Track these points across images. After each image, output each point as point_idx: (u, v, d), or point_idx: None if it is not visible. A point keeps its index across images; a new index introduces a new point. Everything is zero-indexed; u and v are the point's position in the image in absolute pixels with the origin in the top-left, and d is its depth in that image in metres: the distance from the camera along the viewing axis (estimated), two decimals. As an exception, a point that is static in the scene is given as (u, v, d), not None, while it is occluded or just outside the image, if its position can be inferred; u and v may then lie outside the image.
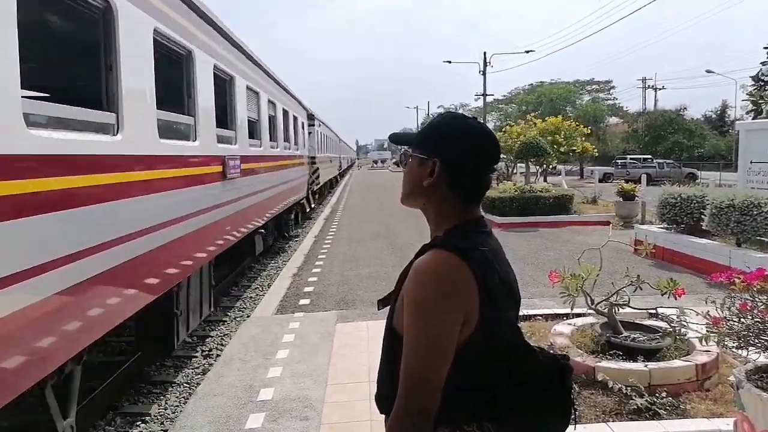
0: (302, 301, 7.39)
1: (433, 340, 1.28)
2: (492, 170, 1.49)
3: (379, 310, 1.63)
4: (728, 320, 2.98)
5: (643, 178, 15.37)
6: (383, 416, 1.46)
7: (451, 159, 1.42)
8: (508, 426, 1.42)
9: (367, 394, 4.35)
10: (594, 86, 59.52)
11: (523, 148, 16.77)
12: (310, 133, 17.09)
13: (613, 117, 54.51)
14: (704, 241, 8.71)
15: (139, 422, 4.62)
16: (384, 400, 1.43)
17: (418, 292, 1.31)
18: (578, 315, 4.93)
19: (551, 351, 1.53)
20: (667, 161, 35.72)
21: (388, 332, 1.43)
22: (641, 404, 3.42)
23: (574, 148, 22.54)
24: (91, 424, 4.47)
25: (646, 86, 55.88)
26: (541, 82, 57.70)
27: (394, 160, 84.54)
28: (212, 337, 6.69)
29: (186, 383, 5.41)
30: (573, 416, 1.46)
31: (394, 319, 1.41)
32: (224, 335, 6.73)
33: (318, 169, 19.08)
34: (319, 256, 10.61)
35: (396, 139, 1.66)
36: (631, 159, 35.85)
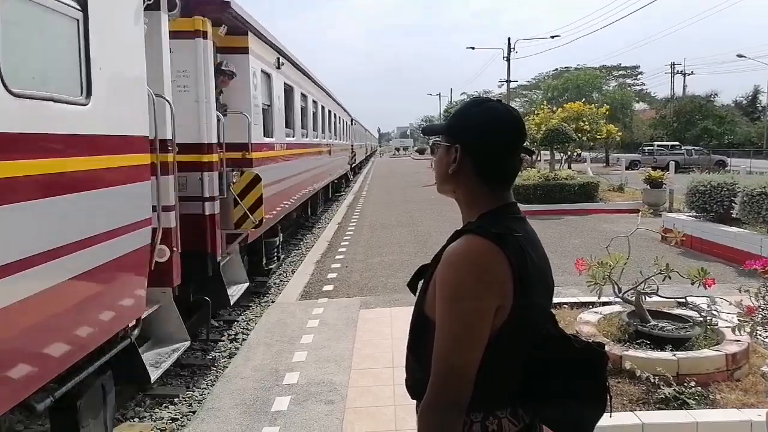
0: (326, 287, 7.45)
1: (467, 327, 1.27)
2: (520, 152, 1.46)
3: (415, 294, 1.62)
4: (763, 309, 2.91)
5: (671, 165, 15.08)
6: (409, 398, 1.47)
7: (473, 144, 1.41)
8: (542, 412, 1.42)
9: (391, 379, 4.38)
10: (621, 72, 58.35)
11: (548, 135, 16.54)
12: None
13: (641, 103, 53.43)
14: (735, 229, 8.52)
15: (168, 404, 4.72)
16: (416, 385, 1.43)
17: (451, 278, 1.30)
18: (605, 303, 4.88)
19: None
20: (696, 148, 34.94)
21: (419, 317, 1.43)
22: (669, 393, 3.38)
23: (599, 135, 22.15)
24: (121, 405, 4.58)
25: (675, 71, 54.59)
26: (566, 67, 56.73)
27: (416, 148, 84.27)
28: (238, 321, 6.78)
29: (213, 366, 5.50)
30: (608, 404, 1.45)
31: (425, 305, 1.40)
32: (249, 320, 6.82)
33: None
34: (342, 243, 10.66)
35: (428, 130, 1.67)
36: (658, 146, 35.15)
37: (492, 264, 1.29)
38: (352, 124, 26.46)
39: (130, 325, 3.56)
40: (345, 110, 22.33)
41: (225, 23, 5.92)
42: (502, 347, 1.32)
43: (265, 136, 7.21)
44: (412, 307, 1.47)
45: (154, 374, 3.94)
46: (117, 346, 3.42)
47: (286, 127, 8.96)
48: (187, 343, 4.55)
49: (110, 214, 3.14)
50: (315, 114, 12.68)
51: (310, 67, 11.97)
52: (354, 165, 28.63)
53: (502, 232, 1.33)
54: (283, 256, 9.23)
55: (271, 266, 8.26)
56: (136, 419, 4.48)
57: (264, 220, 6.03)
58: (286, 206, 8.68)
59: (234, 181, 5.76)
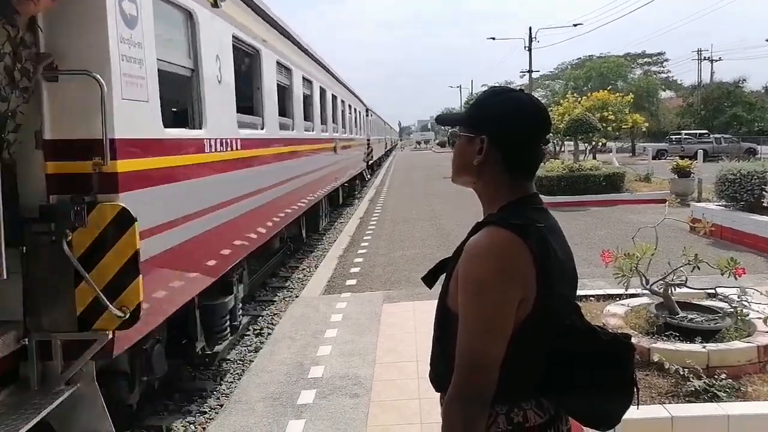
0: (349, 282, 7.48)
1: (490, 320, 1.27)
2: (544, 142, 1.45)
3: (430, 288, 1.63)
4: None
5: (699, 153, 14.68)
6: (434, 392, 1.47)
7: (499, 134, 1.40)
8: (568, 404, 1.41)
9: (415, 373, 4.38)
10: (646, 59, 57.16)
11: (572, 124, 16.31)
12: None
13: (667, 91, 52.28)
14: (766, 218, 8.31)
15: (197, 398, 4.80)
16: (439, 379, 1.43)
17: (473, 270, 1.29)
18: (632, 295, 4.80)
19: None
20: (725, 136, 34.09)
21: (442, 311, 1.43)
22: (699, 386, 3.32)
23: (624, 124, 21.75)
24: (151, 400, 4.67)
25: (702, 58, 53.28)
26: (590, 56, 55.80)
27: (437, 141, 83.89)
28: (263, 316, 6.86)
29: (239, 360, 5.58)
30: (635, 396, 1.43)
31: (448, 298, 1.40)
32: (274, 315, 6.89)
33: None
34: (365, 238, 10.68)
35: (442, 120, 1.65)
36: (686, 134, 34.40)
37: (514, 256, 1.28)
38: (367, 115, 22.60)
39: None
40: (359, 98, 18.77)
41: None
42: (526, 339, 1.31)
43: (175, 125, 4.08)
44: (436, 301, 1.47)
45: None
46: None
47: (246, 113, 5.68)
48: None
49: None
50: (308, 98, 9.35)
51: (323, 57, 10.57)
52: (371, 162, 24.60)
53: (525, 223, 1.32)
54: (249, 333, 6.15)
55: (223, 355, 5.19)
56: (165, 413, 4.57)
57: (146, 309, 3.07)
58: (239, 250, 5.11)
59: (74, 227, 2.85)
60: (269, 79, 6.52)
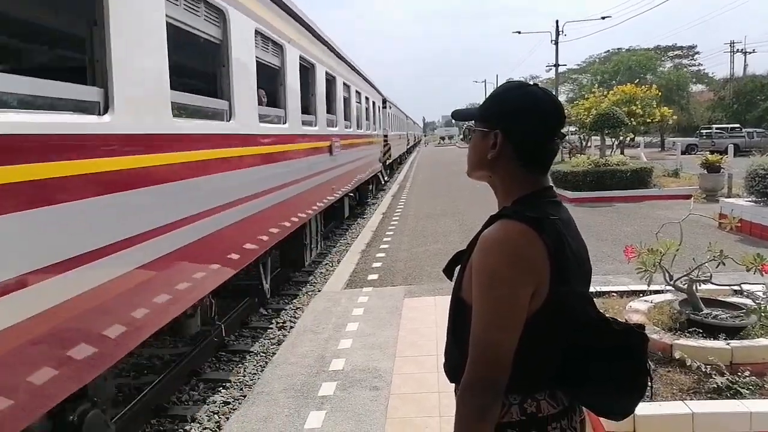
0: (371, 276, 7.53)
1: (503, 311, 1.29)
2: (559, 136, 1.45)
3: (451, 280, 1.65)
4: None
5: (730, 148, 14.36)
6: (453, 385, 1.49)
7: (513, 129, 1.41)
8: (582, 396, 1.42)
9: (435, 366, 4.41)
10: (676, 52, 55.85)
11: (598, 119, 16.07)
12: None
13: (698, 84, 51.04)
14: (798, 214, 8.10)
15: (220, 388, 4.91)
16: (453, 369, 1.45)
17: (487, 262, 1.31)
18: (655, 292, 4.73)
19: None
20: (758, 130, 33.17)
21: (456, 302, 1.45)
22: (722, 383, 3.27)
23: (652, 118, 21.33)
24: (176, 388, 4.80)
25: (735, 50, 51.85)
26: (618, 49, 54.76)
27: (461, 136, 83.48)
28: (285, 310, 6.95)
29: (262, 353, 5.68)
30: (649, 387, 1.43)
31: (462, 289, 1.42)
32: (296, 308, 6.98)
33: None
34: (387, 233, 10.72)
35: (458, 115, 1.68)
36: (717, 129, 33.57)
37: (528, 248, 1.30)
38: (384, 107, 19.40)
39: None
40: (373, 86, 16.05)
41: None
42: (539, 331, 1.33)
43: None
44: None
45: None
46: None
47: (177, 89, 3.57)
48: None
49: None
50: (307, 83, 7.47)
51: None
52: (389, 162, 21.66)
53: (539, 216, 1.33)
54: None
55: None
56: (189, 402, 4.69)
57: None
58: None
59: None
60: (232, 46, 4.51)
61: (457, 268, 1.53)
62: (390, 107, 21.63)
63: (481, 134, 1.46)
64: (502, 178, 1.46)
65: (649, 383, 1.45)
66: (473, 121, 1.52)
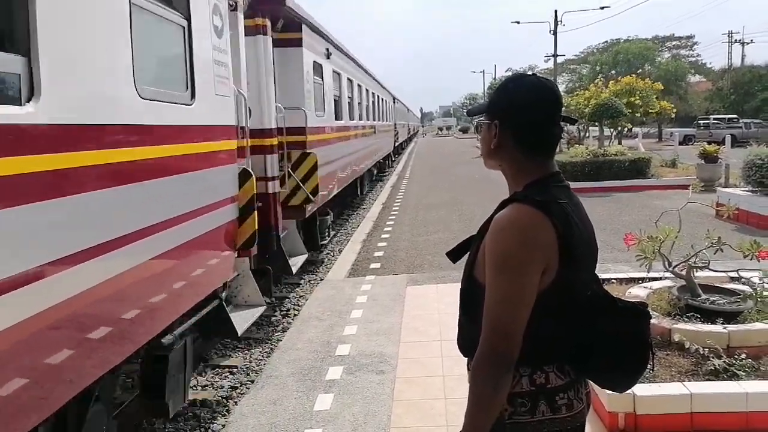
0: (373, 265, 7.62)
1: (515, 291, 1.37)
2: (558, 121, 1.52)
3: (454, 263, 1.75)
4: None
5: (728, 139, 14.43)
6: (457, 370, 1.58)
7: (508, 118, 1.50)
8: (587, 369, 1.51)
9: (439, 352, 4.51)
10: (675, 42, 55.83)
11: (597, 109, 16.13)
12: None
13: (696, 75, 51.05)
14: (794, 204, 8.20)
15: (228, 373, 5.00)
16: (467, 345, 1.54)
17: (500, 244, 1.40)
18: (654, 279, 4.84)
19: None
20: (755, 121, 33.26)
21: (468, 282, 1.53)
22: (719, 365, 3.38)
23: (651, 109, 21.40)
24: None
25: (733, 40, 51.82)
26: (617, 39, 54.68)
27: (459, 127, 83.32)
28: (289, 298, 7.04)
29: (267, 340, 5.76)
30: (651, 361, 1.52)
31: (474, 270, 1.51)
32: (300, 297, 7.06)
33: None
34: (388, 223, 10.80)
35: (472, 111, 1.77)
36: (714, 119, 33.63)
37: (538, 230, 1.38)
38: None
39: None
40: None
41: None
42: (549, 307, 1.41)
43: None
44: (459, 283, 1.59)
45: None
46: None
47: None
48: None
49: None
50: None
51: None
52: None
53: (547, 200, 1.41)
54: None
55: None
56: (198, 387, 4.78)
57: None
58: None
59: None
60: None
61: (465, 256, 1.61)
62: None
63: (486, 126, 1.56)
64: (509, 166, 1.55)
65: (651, 358, 1.54)
66: (482, 115, 1.61)
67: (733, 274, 4.52)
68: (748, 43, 52.27)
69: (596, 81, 22.40)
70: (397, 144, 29.04)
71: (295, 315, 6.22)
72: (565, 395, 1.46)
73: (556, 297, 1.42)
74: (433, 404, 3.72)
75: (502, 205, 1.48)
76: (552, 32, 37.38)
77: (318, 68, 7.90)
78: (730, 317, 3.90)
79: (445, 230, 9.77)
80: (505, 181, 1.58)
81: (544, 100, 1.49)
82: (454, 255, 1.69)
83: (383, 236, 9.57)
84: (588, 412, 1.55)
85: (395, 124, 26.34)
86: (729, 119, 33.49)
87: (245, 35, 4.98)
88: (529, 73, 1.63)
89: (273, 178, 5.79)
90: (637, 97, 20.19)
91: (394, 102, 26.20)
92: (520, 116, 1.49)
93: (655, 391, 3.21)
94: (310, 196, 6.55)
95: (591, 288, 1.53)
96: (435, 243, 8.78)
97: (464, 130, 70.45)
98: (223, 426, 3.86)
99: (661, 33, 57.12)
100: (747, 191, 9.58)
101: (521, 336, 1.38)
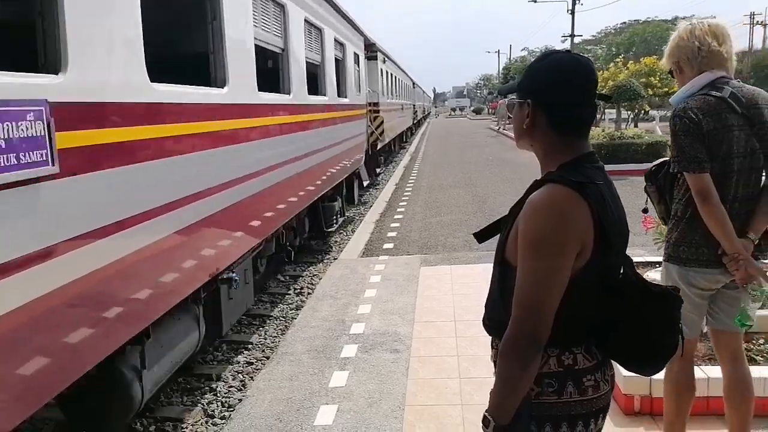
0: (386, 245, 7.63)
1: (549, 272, 1.35)
2: (592, 100, 1.48)
3: (480, 243, 1.73)
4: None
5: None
6: (475, 349, 1.57)
7: (542, 97, 1.46)
8: (615, 352, 1.50)
9: (453, 332, 4.52)
10: (695, 23, 54.60)
11: (615, 91, 15.87)
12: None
13: (716, 57, 49.93)
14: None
15: (243, 349, 5.06)
16: (495, 324, 1.53)
17: (534, 225, 1.37)
18: (671, 263, 4.79)
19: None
20: (776, 104, 32.58)
21: (500, 263, 1.51)
22: (737, 351, 3.35)
23: (669, 90, 21.00)
24: (201, 348, 4.94)
25: (754, 22, 50.58)
26: (635, 20, 53.67)
27: (472, 108, 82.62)
28: (303, 276, 7.08)
29: (282, 317, 5.81)
30: (681, 346, 1.51)
31: (506, 251, 1.49)
32: (314, 276, 7.10)
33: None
34: (400, 204, 10.79)
35: (503, 90, 1.74)
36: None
37: (573, 212, 1.36)
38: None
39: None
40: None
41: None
42: (581, 290, 1.40)
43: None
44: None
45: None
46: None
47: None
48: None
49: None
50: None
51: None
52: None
53: (584, 181, 1.38)
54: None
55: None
56: (214, 362, 4.85)
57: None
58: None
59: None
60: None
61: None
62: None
63: (518, 105, 1.52)
64: (541, 145, 1.52)
65: (681, 342, 1.53)
66: (514, 94, 1.58)
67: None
68: (769, 25, 50.99)
69: (617, 61, 22.00)
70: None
71: (309, 293, 6.26)
72: (592, 377, 1.46)
73: (588, 279, 1.40)
74: (447, 383, 3.74)
75: (535, 185, 1.46)
76: (570, 11, 36.74)
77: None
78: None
79: (459, 211, 9.74)
80: (522, 162, 1.56)
81: (579, 78, 1.44)
82: (480, 236, 1.67)
83: (396, 217, 9.56)
84: (612, 394, 1.55)
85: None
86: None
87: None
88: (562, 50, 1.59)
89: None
90: (658, 78, 19.82)
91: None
92: (554, 95, 1.45)
93: (672, 375, 3.19)
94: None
95: (624, 271, 1.51)
96: (448, 224, 8.76)
97: (477, 111, 69.84)
98: (240, 400, 3.91)
99: (681, 14, 55.80)
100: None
101: (552, 318, 1.36)
